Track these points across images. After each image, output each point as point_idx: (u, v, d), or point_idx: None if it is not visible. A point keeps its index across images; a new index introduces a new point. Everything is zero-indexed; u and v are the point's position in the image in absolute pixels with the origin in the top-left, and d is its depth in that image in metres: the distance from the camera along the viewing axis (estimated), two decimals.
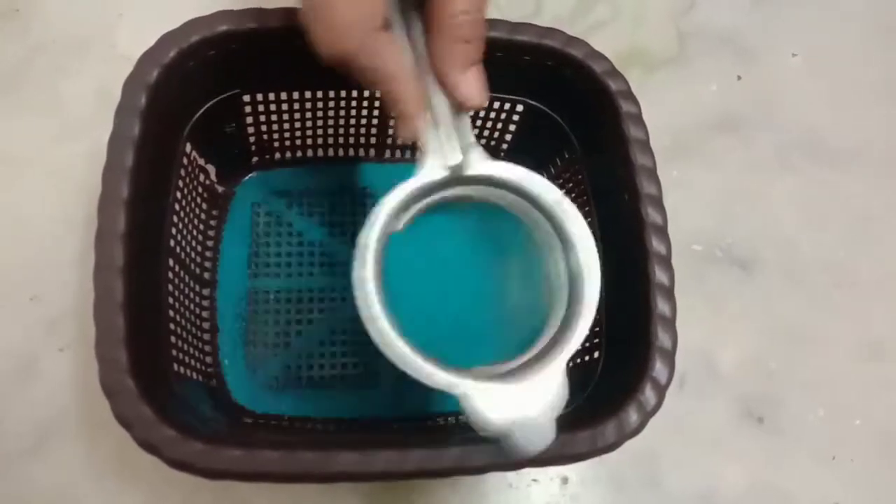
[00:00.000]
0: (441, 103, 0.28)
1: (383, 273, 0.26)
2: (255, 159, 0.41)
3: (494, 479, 0.38)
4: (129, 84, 0.30)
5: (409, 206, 0.28)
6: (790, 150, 0.46)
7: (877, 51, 0.49)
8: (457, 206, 0.29)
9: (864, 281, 0.43)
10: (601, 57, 0.33)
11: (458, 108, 0.28)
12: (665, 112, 0.42)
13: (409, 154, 0.42)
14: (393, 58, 0.26)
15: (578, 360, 0.36)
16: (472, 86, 0.27)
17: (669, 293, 0.30)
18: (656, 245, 0.31)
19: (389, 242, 0.27)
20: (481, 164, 0.28)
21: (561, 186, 0.39)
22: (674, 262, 0.31)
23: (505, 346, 0.28)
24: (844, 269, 0.43)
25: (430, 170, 0.28)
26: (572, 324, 0.27)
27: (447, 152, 0.28)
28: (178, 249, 0.34)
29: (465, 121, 0.28)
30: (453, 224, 0.30)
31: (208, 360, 0.37)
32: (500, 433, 0.24)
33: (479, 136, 0.41)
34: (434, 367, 0.25)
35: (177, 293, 0.34)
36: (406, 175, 0.42)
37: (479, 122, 0.40)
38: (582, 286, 0.27)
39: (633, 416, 0.28)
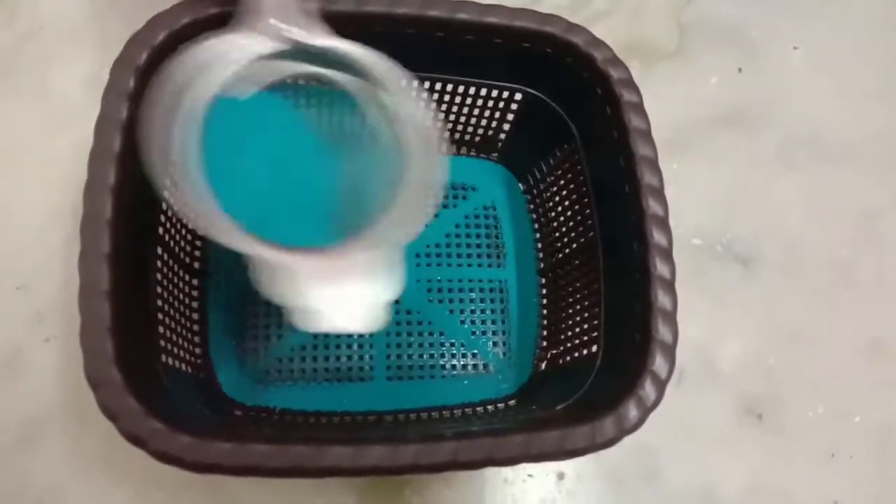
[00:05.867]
0: None
1: (207, 145, 0.25)
2: None
3: (490, 474, 0.37)
4: (118, 66, 0.29)
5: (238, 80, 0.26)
6: (792, 144, 0.45)
7: (880, 44, 0.49)
8: (289, 85, 0.28)
9: (865, 278, 0.43)
10: (602, 44, 0.33)
11: None
12: (665, 105, 0.41)
13: None
14: None
15: (577, 354, 0.35)
16: None
17: (670, 286, 0.30)
18: (657, 237, 0.30)
19: (217, 113, 0.25)
20: (321, 37, 0.26)
21: (560, 177, 0.38)
22: (673, 256, 0.30)
23: (340, 228, 0.27)
24: (846, 266, 0.43)
25: (264, 37, 0.25)
26: (401, 206, 0.26)
27: (288, 19, 0.26)
28: (167, 238, 0.34)
29: None
30: (286, 104, 0.28)
31: (198, 351, 0.36)
32: (308, 307, 0.23)
33: (475, 126, 0.40)
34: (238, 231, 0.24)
35: (166, 282, 0.33)
36: None
37: (476, 111, 0.39)
38: (411, 166, 0.26)
39: (632, 411, 0.28)
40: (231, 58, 0.25)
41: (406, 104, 0.27)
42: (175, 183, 0.24)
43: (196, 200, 0.24)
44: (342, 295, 0.24)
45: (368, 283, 0.24)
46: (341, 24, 0.28)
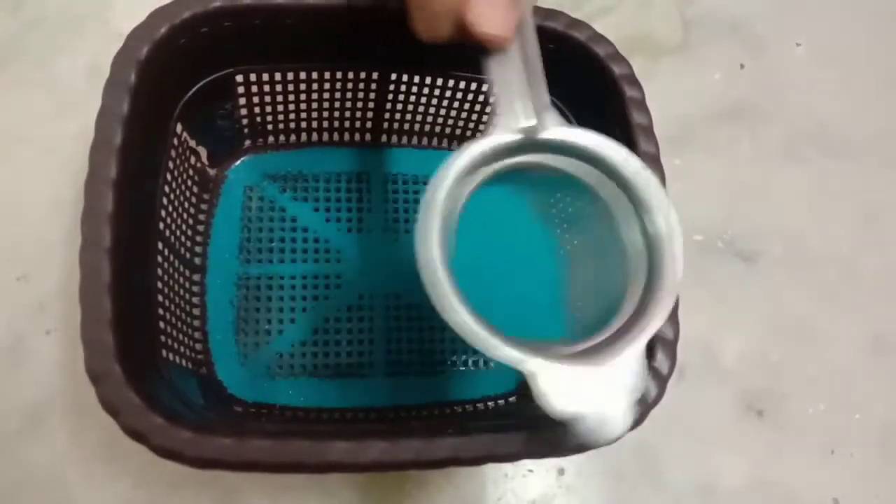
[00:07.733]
0: (513, 60, 0.26)
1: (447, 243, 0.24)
2: (247, 142, 0.40)
3: (490, 469, 0.37)
4: (119, 60, 0.29)
5: (478, 168, 0.26)
6: (795, 140, 0.45)
7: (883, 41, 0.48)
8: (527, 174, 0.27)
9: (868, 275, 0.43)
10: (604, 40, 0.33)
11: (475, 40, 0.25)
12: (668, 100, 0.41)
13: (405, 139, 0.41)
14: None
15: None
16: (486, 7, 0.24)
17: None
18: None
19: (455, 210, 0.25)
20: (556, 129, 0.26)
21: None
22: None
23: (576, 325, 0.26)
24: (849, 262, 0.43)
25: (502, 131, 0.25)
26: (651, 304, 0.24)
27: (520, 113, 0.26)
28: (167, 233, 0.34)
29: (539, 80, 0.26)
30: (522, 193, 0.28)
31: (198, 346, 0.36)
32: (569, 419, 0.22)
33: (476, 122, 0.40)
34: (500, 340, 0.23)
35: (166, 277, 0.33)
36: (404, 160, 0.41)
37: (477, 108, 0.39)
38: (661, 262, 0.25)
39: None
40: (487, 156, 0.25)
41: (644, 191, 0.25)
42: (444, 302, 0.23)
43: (462, 320, 0.23)
44: (611, 395, 0.23)
45: (631, 379, 0.23)
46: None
